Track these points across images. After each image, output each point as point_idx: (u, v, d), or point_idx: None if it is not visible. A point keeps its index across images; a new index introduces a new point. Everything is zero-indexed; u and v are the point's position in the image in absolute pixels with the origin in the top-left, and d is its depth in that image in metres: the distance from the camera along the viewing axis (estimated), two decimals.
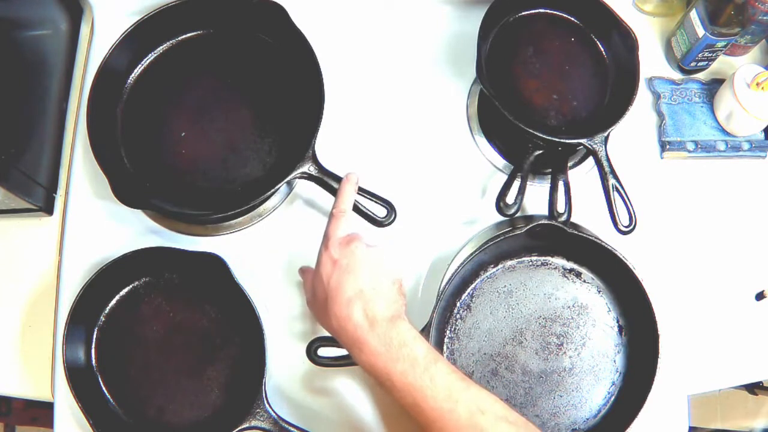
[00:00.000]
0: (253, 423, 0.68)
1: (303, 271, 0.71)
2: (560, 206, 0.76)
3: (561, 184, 0.77)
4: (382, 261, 0.63)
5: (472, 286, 0.78)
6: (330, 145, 0.78)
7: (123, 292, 0.76)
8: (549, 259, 0.79)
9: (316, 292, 0.62)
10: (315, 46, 0.77)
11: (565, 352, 0.76)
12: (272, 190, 0.72)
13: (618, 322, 0.78)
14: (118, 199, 0.71)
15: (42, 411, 1.14)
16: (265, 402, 0.68)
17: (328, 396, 0.75)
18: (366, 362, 0.59)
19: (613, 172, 0.75)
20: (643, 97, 0.90)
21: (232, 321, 0.74)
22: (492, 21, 0.81)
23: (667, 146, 0.87)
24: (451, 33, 0.88)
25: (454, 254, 0.78)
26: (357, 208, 0.72)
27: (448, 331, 0.76)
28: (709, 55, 0.87)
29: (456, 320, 0.77)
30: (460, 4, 0.89)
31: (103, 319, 0.75)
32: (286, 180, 0.71)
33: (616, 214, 0.74)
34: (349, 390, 0.75)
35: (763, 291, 0.83)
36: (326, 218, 0.79)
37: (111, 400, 0.73)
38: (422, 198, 0.81)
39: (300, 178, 0.73)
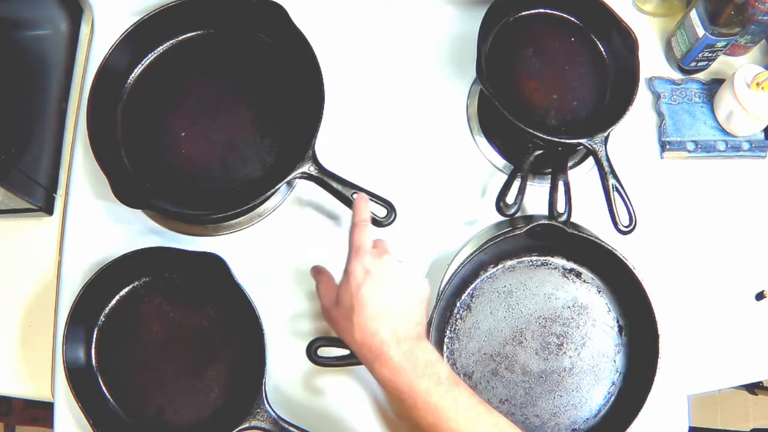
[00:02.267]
0: (253, 423, 0.68)
1: (319, 272, 0.68)
2: (560, 206, 0.76)
3: (561, 184, 0.77)
4: (413, 279, 0.63)
5: (472, 286, 0.78)
6: (330, 145, 0.78)
7: (123, 292, 0.76)
8: (549, 259, 0.79)
9: (342, 300, 0.61)
10: (315, 46, 0.77)
11: (565, 352, 0.76)
12: (272, 190, 0.72)
13: (618, 322, 0.78)
14: (118, 199, 0.71)
15: (42, 411, 1.14)
16: (265, 402, 0.68)
17: (328, 396, 0.75)
18: (387, 377, 0.58)
19: (613, 172, 0.75)
20: (643, 97, 0.90)
21: (232, 321, 0.74)
22: (492, 21, 0.81)
23: (667, 146, 0.87)
24: (452, 33, 0.88)
25: (454, 254, 0.78)
26: None
27: (448, 331, 0.76)
28: (709, 55, 0.87)
29: (456, 320, 0.77)
30: (461, 4, 0.89)
31: (103, 319, 0.75)
32: (286, 180, 0.71)
33: (616, 214, 0.74)
34: (349, 390, 0.75)
35: (763, 291, 0.83)
36: (326, 218, 0.80)
37: (111, 400, 0.73)
38: (422, 198, 0.81)
39: (300, 178, 0.73)
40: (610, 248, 0.74)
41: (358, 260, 0.61)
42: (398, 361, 0.57)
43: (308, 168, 0.72)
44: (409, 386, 0.57)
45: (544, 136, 0.74)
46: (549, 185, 0.78)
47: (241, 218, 0.79)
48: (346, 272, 0.61)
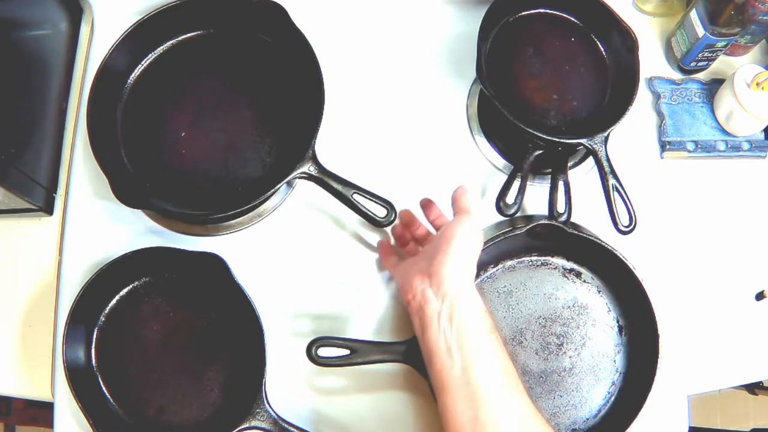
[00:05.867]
0: (253, 423, 0.68)
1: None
2: (560, 206, 0.76)
3: (561, 184, 0.77)
4: None
5: None
6: (330, 145, 0.78)
7: (123, 292, 0.76)
8: (549, 259, 0.79)
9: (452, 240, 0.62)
10: (315, 46, 0.77)
11: (565, 352, 0.76)
12: (272, 190, 0.72)
13: (618, 322, 0.78)
14: (118, 199, 0.71)
15: (42, 411, 1.14)
16: (265, 402, 0.68)
17: (328, 396, 0.75)
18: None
19: (613, 172, 0.75)
20: (643, 97, 0.90)
21: (232, 321, 0.74)
22: (492, 21, 0.81)
23: (667, 146, 0.87)
24: (452, 33, 0.88)
25: None
26: (357, 208, 0.72)
27: None
28: (709, 55, 0.87)
29: None
30: (461, 4, 0.89)
31: (103, 319, 0.75)
32: (286, 180, 0.71)
33: (616, 214, 0.74)
34: (349, 390, 0.75)
35: (763, 291, 0.83)
36: (326, 218, 0.80)
37: (111, 400, 0.73)
38: (422, 198, 0.81)
39: (300, 178, 0.73)
40: (610, 248, 0.74)
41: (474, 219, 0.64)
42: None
43: (308, 168, 0.72)
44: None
45: (544, 136, 0.74)
46: (549, 185, 0.78)
47: (241, 218, 0.79)
48: (465, 222, 0.64)
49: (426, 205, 0.74)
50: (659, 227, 0.82)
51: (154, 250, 0.73)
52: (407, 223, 0.75)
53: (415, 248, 0.74)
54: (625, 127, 0.77)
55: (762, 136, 0.89)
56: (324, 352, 0.69)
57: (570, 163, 0.83)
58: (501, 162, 0.84)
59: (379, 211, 0.73)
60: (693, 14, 0.83)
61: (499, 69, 0.81)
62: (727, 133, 0.89)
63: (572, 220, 0.77)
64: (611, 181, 0.75)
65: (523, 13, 0.85)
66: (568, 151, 0.79)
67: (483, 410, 0.55)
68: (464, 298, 0.58)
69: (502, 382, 0.56)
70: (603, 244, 0.74)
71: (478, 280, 0.78)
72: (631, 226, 0.75)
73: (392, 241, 0.77)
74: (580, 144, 0.75)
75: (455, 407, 0.55)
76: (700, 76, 0.91)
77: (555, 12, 0.85)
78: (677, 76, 0.91)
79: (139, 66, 0.82)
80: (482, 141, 0.84)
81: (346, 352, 0.68)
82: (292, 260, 0.78)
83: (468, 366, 0.56)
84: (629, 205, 0.75)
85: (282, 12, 0.78)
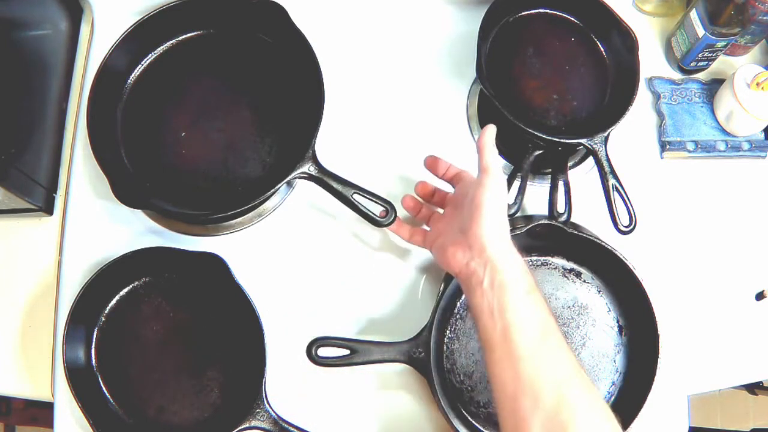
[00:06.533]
0: (253, 423, 0.68)
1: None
2: (560, 206, 0.77)
3: (561, 184, 0.77)
4: None
5: None
6: (330, 145, 0.78)
7: (123, 292, 0.76)
8: (549, 259, 0.79)
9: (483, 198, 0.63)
10: (315, 46, 0.77)
11: None
12: (272, 190, 0.72)
13: (618, 322, 0.78)
14: (118, 199, 0.71)
15: (42, 411, 1.14)
16: (265, 402, 0.68)
17: (328, 396, 0.75)
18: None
19: (613, 172, 0.75)
20: (643, 97, 0.90)
21: (232, 321, 0.74)
22: (492, 21, 0.81)
23: (667, 146, 0.87)
24: (452, 33, 0.88)
25: None
26: (357, 208, 0.72)
27: (448, 331, 0.76)
28: (709, 55, 0.87)
29: (456, 320, 0.77)
30: (461, 4, 0.89)
31: (103, 319, 0.75)
32: (286, 180, 0.71)
33: (616, 214, 0.74)
34: (349, 390, 0.75)
35: (763, 291, 0.83)
36: (326, 218, 0.80)
37: (111, 400, 0.73)
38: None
39: (300, 178, 0.73)
40: (610, 248, 0.74)
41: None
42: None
43: (308, 168, 0.72)
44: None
45: (544, 136, 0.74)
46: (549, 185, 0.78)
47: (241, 218, 0.79)
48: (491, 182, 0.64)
49: (432, 164, 0.75)
50: (659, 227, 0.82)
51: (154, 250, 0.73)
52: (426, 195, 0.76)
53: (429, 211, 0.75)
54: (625, 127, 0.77)
55: (762, 136, 0.89)
56: (324, 352, 0.69)
57: (570, 163, 0.83)
58: (501, 162, 0.84)
59: (379, 211, 0.73)
60: (693, 14, 0.83)
61: (499, 69, 0.81)
62: (727, 133, 0.89)
63: (572, 220, 0.77)
64: (611, 181, 0.75)
65: (523, 13, 0.85)
66: (568, 151, 0.79)
67: (523, 368, 0.57)
68: (504, 261, 0.61)
69: (539, 340, 0.58)
70: (603, 244, 0.74)
71: None
72: (631, 226, 0.75)
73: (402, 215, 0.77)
74: (580, 144, 0.75)
75: (499, 365, 0.58)
76: (700, 76, 0.92)
77: (555, 12, 0.86)
78: (677, 76, 0.91)
79: (139, 66, 0.82)
80: None
81: (346, 352, 0.69)
82: (292, 260, 0.78)
83: (507, 326, 0.58)
84: (629, 205, 0.75)
85: (282, 12, 0.78)
